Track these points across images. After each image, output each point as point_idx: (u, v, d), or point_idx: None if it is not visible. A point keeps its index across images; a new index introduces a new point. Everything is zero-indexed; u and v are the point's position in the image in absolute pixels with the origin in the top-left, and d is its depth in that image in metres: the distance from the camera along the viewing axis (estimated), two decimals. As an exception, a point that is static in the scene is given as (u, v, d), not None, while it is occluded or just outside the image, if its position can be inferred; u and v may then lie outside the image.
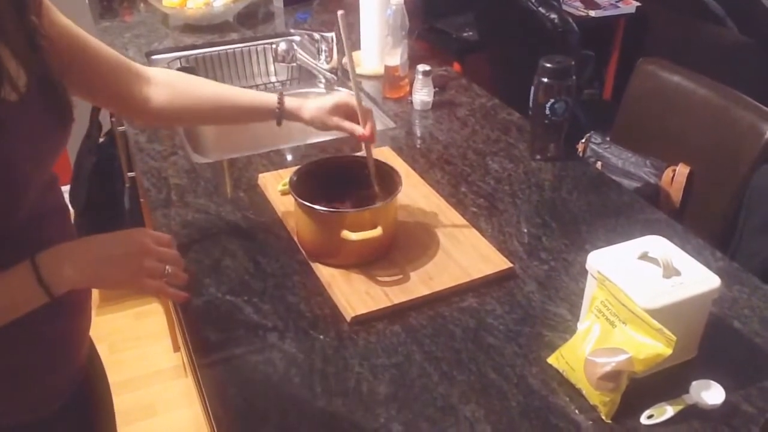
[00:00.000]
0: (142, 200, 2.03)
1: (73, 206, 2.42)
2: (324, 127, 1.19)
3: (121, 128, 1.79)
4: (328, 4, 2.49)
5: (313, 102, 1.19)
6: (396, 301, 1.06)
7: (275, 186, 1.35)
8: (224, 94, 1.17)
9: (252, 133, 1.85)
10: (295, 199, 1.13)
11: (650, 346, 0.83)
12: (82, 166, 2.38)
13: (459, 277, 1.11)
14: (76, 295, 0.91)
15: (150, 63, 2.05)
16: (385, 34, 1.77)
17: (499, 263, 1.15)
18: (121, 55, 1.07)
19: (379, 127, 1.70)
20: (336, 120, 1.18)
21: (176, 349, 2.35)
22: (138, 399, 2.21)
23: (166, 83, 1.11)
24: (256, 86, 2.14)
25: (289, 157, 1.54)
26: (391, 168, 1.22)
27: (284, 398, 0.92)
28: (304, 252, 1.18)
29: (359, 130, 1.17)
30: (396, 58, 1.76)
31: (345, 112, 1.18)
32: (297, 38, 2.15)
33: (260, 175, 1.40)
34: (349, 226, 1.09)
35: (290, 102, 1.18)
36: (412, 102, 1.75)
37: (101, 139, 2.39)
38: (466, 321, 1.04)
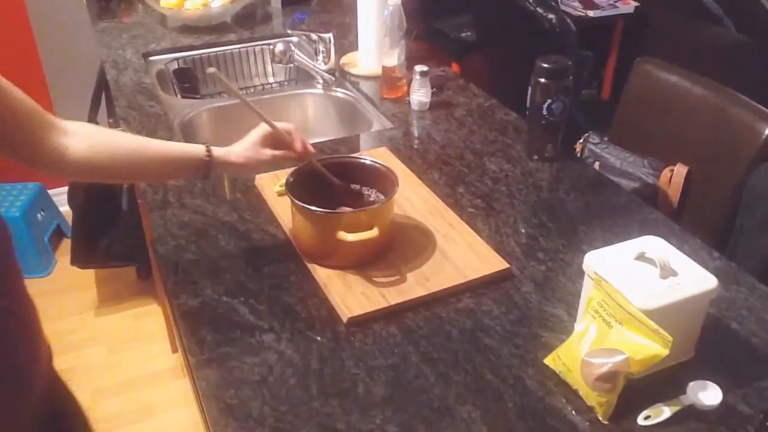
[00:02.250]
0: (140, 201, 2.02)
1: (71, 207, 2.42)
2: (259, 164, 1.15)
3: (119, 129, 1.79)
4: (326, 5, 2.49)
5: (239, 145, 1.16)
6: (392, 302, 1.06)
7: (272, 187, 1.35)
8: (147, 147, 1.09)
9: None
10: (292, 201, 1.12)
11: (647, 347, 0.83)
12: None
13: (455, 278, 1.11)
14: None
15: (148, 64, 2.04)
16: (382, 34, 1.77)
17: (496, 264, 1.15)
18: (35, 103, 0.96)
19: (376, 127, 1.70)
20: (269, 152, 1.15)
21: (174, 350, 2.34)
22: (136, 400, 2.20)
23: (84, 135, 1.02)
24: (254, 87, 2.14)
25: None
26: (388, 169, 1.22)
27: (280, 399, 0.91)
28: (300, 253, 1.18)
29: (296, 148, 1.16)
30: (393, 58, 1.76)
31: (272, 140, 1.16)
32: (295, 39, 2.15)
33: (257, 176, 1.39)
34: (345, 227, 1.09)
35: (218, 151, 1.12)
36: (409, 102, 1.75)
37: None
38: (463, 322, 1.04)
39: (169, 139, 1.60)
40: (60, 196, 2.92)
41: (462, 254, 1.17)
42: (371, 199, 1.23)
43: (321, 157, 1.22)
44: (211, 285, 1.12)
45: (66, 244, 2.88)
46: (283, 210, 1.28)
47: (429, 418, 0.89)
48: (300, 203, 1.11)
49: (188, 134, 1.71)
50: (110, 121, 2.08)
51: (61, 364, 2.36)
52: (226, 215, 1.30)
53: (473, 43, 2.90)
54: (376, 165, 1.23)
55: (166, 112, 1.74)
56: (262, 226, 1.27)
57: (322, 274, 1.12)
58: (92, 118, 2.39)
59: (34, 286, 2.79)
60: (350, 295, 1.07)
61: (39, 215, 2.80)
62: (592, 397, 0.87)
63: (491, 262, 1.15)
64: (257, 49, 2.17)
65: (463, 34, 3.00)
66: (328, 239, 1.10)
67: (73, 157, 1.00)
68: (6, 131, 0.92)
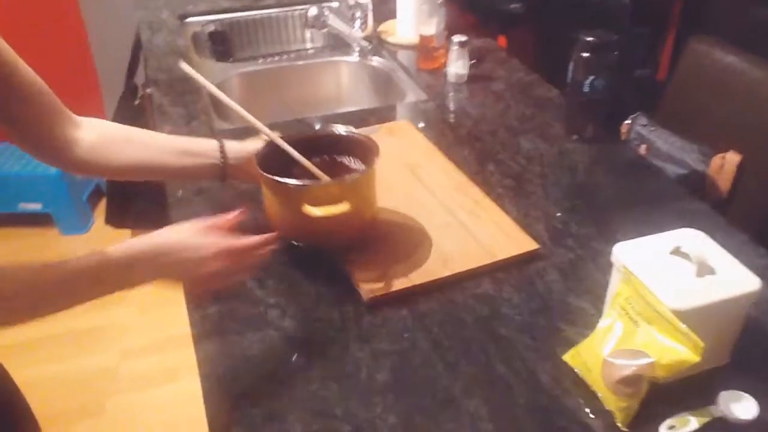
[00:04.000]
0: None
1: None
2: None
3: (148, 90, 1.76)
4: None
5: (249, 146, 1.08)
6: (417, 282, 0.99)
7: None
8: (159, 140, 1.04)
9: (281, 98, 1.80)
10: (257, 170, 1.01)
11: (675, 351, 0.75)
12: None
13: (481, 258, 1.04)
14: None
15: (183, 26, 2.00)
16: (420, 2, 1.69)
17: (525, 243, 1.07)
18: (49, 90, 0.93)
19: (410, 98, 1.63)
20: None
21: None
22: (161, 362, 2.21)
23: (96, 128, 0.98)
24: (290, 53, 2.09)
25: (317, 127, 1.48)
26: (368, 139, 1.10)
27: (277, 379, 0.87)
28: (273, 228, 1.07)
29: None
30: (431, 27, 1.68)
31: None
32: (334, 4, 2.08)
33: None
34: (313, 201, 0.98)
35: (232, 144, 1.07)
36: (446, 74, 1.67)
37: (137, 102, 2.37)
38: (479, 308, 0.97)
39: (200, 99, 1.56)
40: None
41: (488, 232, 1.09)
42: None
43: (292, 134, 1.11)
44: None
45: (102, 201, 2.90)
46: (302, 180, 1.22)
47: (432, 409, 0.83)
48: (264, 173, 1.00)
49: (215, 99, 1.66)
50: (143, 84, 2.06)
51: (91, 322, 2.38)
52: (243, 184, 1.25)
53: (521, 16, 2.77)
54: (355, 136, 1.12)
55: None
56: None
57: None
58: (130, 80, 2.37)
59: (71, 243, 2.82)
60: (371, 273, 1.01)
61: (81, 177, 2.82)
62: (611, 401, 0.80)
63: (520, 242, 1.08)
64: (295, 13, 2.11)
65: (512, 6, 2.88)
66: (294, 213, 0.99)
67: (82, 151, 0.96)
68: (21, 115, 0.89)
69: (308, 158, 1.06)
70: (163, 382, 2.15)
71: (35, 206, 2.71)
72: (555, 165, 1.33)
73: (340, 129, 1.14)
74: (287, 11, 2.11)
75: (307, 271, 1.04)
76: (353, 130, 1.14)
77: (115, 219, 2.40)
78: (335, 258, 1.05)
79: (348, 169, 1.11)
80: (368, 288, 0.98)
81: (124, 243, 0.83)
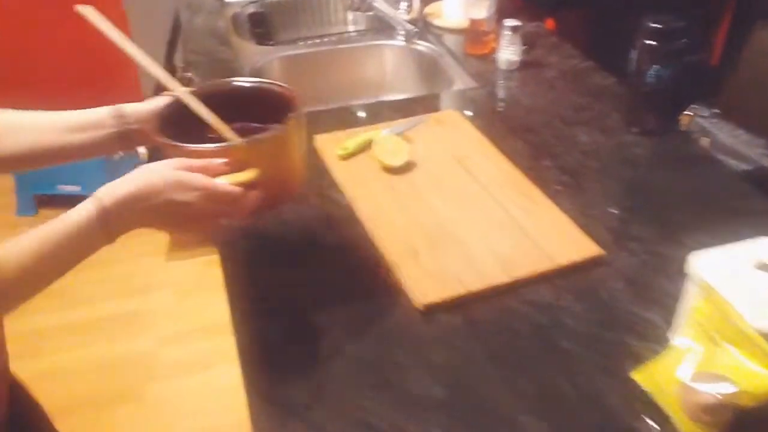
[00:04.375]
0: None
1: (147, 148, 2.39)
2: None
3: (187, 74, 1.72)
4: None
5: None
6: (472, 289, 0.93)
7: (333, 149, 1.24)
8: (56, 131, 0.90)
9: (322, 83, 1.75)
10: (153, 133, 0.86)
11: (764, 378, 0.68)
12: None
13: (541, 263, 0.97)
14: None
15: (223, 7, 1.95)
16: (472, -17, 1.61)
17: (587, 247, 1.00)
18: None
19: (458, 86, 1.56)
20: None
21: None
22: (196, 351, 2.19)
23: None
24: (331, 36, 2.02)
25: (362, 115, 1.42)
26: (284, 89, 0.94)
27: (319, 387, 0.82)
28: None
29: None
30: (482, 10, 1.60)
31: None
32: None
33: (316, 137, 1.28)
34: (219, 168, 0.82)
35: (130, 107, 0.92)
36: (496, 60, 1.59)
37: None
38: (539, 318, 0.91)
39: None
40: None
41: (546, 234, 1.03)
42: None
43: (207, 87, 0.99)
44: (267, 253, 1.03)
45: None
46: (346, 175, 1.17)
47: (487, 428, 0.77)
48: (159, 136, 0.85)
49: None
50: (182, 66, 2.02)
51: (127, 307, 2.36)
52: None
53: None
54: (269, 87, 0.97)
55: (237, 58, 1.65)
56: (323, 191, 1.16)
57: (390, 248, 1.00)
58: (168, 61, 2.33)
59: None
60: (423, 277, 0.95)
61: (117, 155, 2.80)
62: (689, 428, 0.73)
63: (581, 245, 1.01)
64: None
65: (561, -13, 2.76)
66: None
67: None
68: None
69: (229, 121, 0.91)
70: (201, 369, 2.13)
71: (74, 188, 2.70)
72: (613, 159, 1.25)
73: (249, 82, 0.99)
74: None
75: (358, 273, 0.99)
76: (266, 81, 0.99)
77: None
78: (384, 260, 1.00)
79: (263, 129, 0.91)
80: (420, 293, 0.92)
81: (98, 192, 0.76)
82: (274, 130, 0.87)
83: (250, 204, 0.84)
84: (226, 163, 0.82)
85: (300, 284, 0.98)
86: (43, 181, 2.71)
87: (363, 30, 2.02)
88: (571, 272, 0.98)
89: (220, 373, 2.10)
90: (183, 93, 0.90)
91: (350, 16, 2.05)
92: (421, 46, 1.74)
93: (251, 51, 1.72)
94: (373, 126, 1.32)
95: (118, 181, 0.78)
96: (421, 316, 0.91)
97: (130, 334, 2.25)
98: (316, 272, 1.00)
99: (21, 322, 2.29)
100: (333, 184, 1.17)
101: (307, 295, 0.96)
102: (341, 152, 1.21)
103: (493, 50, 1.61)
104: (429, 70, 1.72)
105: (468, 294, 0.92)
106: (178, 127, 0.87)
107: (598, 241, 1.03)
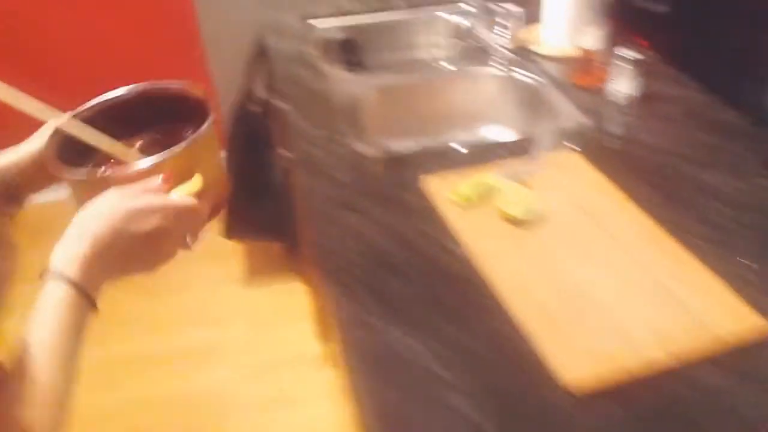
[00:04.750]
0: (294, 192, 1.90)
1: (230, 172, 2.34)
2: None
3: (278, 103, 1.66)
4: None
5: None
6: (629, 368, 0.82)
7: (445, 194, 1.15)
8: None
9: (417, 114, 1.67)
10: (52, 167, 0.75)
11: None
12: (235, 134, 2.29)
13: (702, 338, 0.86)
14: None
15: (309, 30, 1.89)
16: (579, 8, 1.50)
17: (751, 321, 0.89)
18: None
19: (566, 120, 1.45)
20: None
21: (320, 337, 2.21)
22: (276, 386, 2.11)
23: None
24: (419, 61, 1.94)
25: (465, 153, 1.33)
26: (180, 87, 0.85)
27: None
28: None
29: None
30: (592, 37, 1.50)
31: None
32: (471, 8, 1.92)
33: (424, 178, 1.20)
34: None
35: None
36: (607, 92, 1.48)
37: (254, 108, 2.28)
38: (717, 411, 0.79)
39: (337, 115, 1.44)
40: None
41: (703, 303, 0.91)
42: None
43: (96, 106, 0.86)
44: (379, 311, 0.95)
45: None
46: (463, 225, 1.08)
47: None
48: (77, 176, 0.74)
49: (351, 115, 1.53)
50: (266, 89, 1.97)
51: (203, 337, 2.29)
52: (398, 223, 1.12)
53: (667, 17, 2.52)
54: (161, 88, 0.87)
55: (329, 87, 1.58)
56: (438, 242, 1.07)
57: (523, 313, 0.91)
58: (247, 87, 2.29)
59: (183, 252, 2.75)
60: (567, 350, 0.85)
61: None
62: None
63: (744, 318, 0.89)
64: (426, 17, 1.96)
65: (653, 4, 2.63)
66: None
67: None
68: None
69: (136, 133, 0.84)
70: (281, 405, 2.05)
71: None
72: (756, 208, 1.13)
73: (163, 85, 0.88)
74: (416, 15, 1.97)
75: (488, 341, 0.90)
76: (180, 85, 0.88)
77: (235, 232, 2.34)
78: (517, 327, 0.90)
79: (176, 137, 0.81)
80: (566, 371, 0.82)
81: (54, 266, 0.66)
82: (203, 128, 0.77)
83: (205, 214, 0.76)
84: (165, 178, 0.73)
85: (420, 348, 0.89)
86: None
87: (455, 56, 1.93)
88: (739, 352, 0.86)
89: (302, 410, 2.03)
90: (65, 121, 0.78)
91: (437, 39, 1.97)
92: (520, 74, 1.65)
93: (344, 80, 1.65)
94: (482, 166, 1.23)
95: (66, 243, 0.67)
96: (571, 398, 0.81)
97: (207, 366, 2.19)
98: (439, 336, 0.91)
99: (93, 353, 2.26)
100: (448, 234, 1.09)
101: (430, 361, 0.87)
102: (456, 198, 1.12)
103: (604, 81, 1.50)
104: (531, 101, 1.62)
105: (624, 374, 0.82)
106: (81, 155, 0.78)
107: (761, 309, 0.91)
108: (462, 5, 1.93)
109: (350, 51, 1.82)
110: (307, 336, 2.25)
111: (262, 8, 2.02)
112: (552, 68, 1.62)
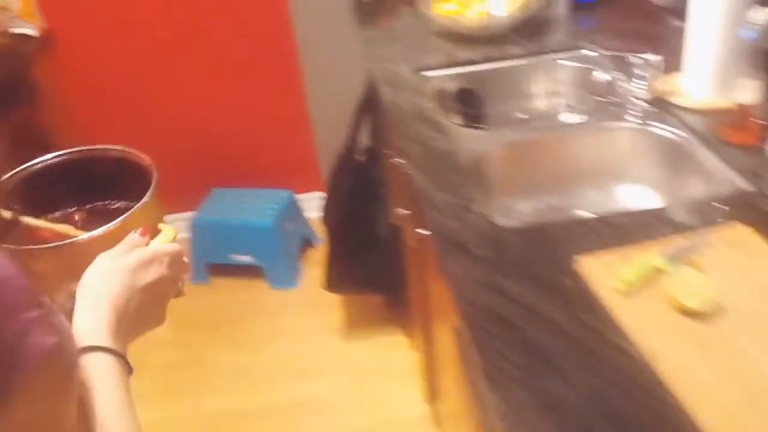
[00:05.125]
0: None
1: (325, 223, 2.28)
2: None
3: (398, 161, 1.57)
4: (617, 9, 2.07)
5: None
6: None
7: (601, 275, 1.02)
8: None
9: (543, 171, 1.55)
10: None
11: None
12: (338, 184, 2.23)
13: None
14: None
15: (419, 79, 1.80)
16: (730, 57, 1.36)
17: None
18: None
19: (719, 184, 1.31)
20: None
21: (428, 397, 2.08)
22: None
23: None
24: (538, 112, 1.83)
25: (616, 225, 1.19)
26: (103, 150, 0.93)
27: None
28: None
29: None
30: (749, 91, 1.35)
31: None
32: (593, 54, 1.79)
33: (578, 259, 1.07)
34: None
35: None
36: (766, 151, 1.32)
37: (360, 158, 2.22)
38: None
39: (467, 181, 1.34)
40: (305, 202, 2.84)
41: None
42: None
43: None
44: (551, 427, 0.83)
45: (311, 254, 2.80)
46: (631, 317, 0.95)
47: None
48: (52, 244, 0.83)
49: (478, 176, 1.43)
50: (373, 137, 1.90)
51: (304, 392, 2.20)
52: (540, 301, 1.01)
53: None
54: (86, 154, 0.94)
55: (451, 146, 1.49)
56: (601, 332, 0.95)
57: (718, 427, 0.77)
58: (352, 136, 2.22)
59: (281, 297, 2.72)
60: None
61: (290, 225, 2.73)
62: None
63: None
64: (544, 64, 1.85)
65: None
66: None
67: None
68: None
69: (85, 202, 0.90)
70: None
71: (246, 258, 2.65)
72: None
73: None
74: (534, 62, 1.86)
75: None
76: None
77: (336, 284, 2.26)
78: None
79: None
80: None
81: (90, 339, 0.66)
82: (154, 178, 0.85)
83: (187, 258, 0.81)
84: (143, 232, 0.78)
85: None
86: (217, 250, 2.69)
87: (577, 106, 1.81)
88: None
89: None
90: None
91: (561, 88, 1.85)
92: (658, 128, 1.51)
93: (465, 136, 1.55)
94: (639, 242, 1.10)
95: (85, 314, 0.68)
96: None
97: (309, 422, 2.11)
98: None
99: (195, 405, 2.23)
100: (613, 326, 0.96)
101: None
102: (620, 285, 1.00)
103: (762, 139, 1.34)
104: (673, 159, 1.47)
105: None
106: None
107: None
108: (584, 52, 1.81)
109: (467, 102, 1.73)
110: (414, 394, 2.14)
111: (368, 59, 1.96)
112: (696, 122, 1.47)
